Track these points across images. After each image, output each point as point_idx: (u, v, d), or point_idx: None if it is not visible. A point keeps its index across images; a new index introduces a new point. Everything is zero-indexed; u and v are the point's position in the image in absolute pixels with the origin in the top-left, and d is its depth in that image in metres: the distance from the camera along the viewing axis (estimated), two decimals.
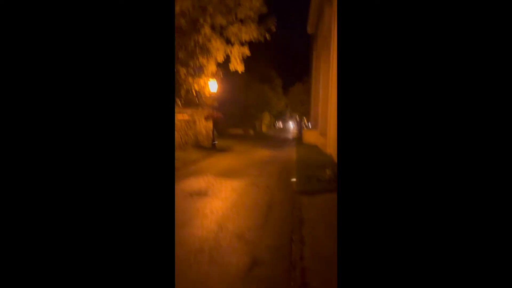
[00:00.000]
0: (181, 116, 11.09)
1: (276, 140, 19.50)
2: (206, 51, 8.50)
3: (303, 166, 7.21)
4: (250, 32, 9.94)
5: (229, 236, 3.12)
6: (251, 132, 27.85)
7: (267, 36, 10.06)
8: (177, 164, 7.86)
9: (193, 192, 4.98)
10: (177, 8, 7.58)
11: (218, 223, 3.49)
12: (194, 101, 9.94)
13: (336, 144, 6.85)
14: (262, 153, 11.31)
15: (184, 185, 5.54)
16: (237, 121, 27.60)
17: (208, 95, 11.94)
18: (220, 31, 9.92)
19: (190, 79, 8.52)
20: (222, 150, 11.85)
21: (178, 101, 8.73)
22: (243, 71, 10.88)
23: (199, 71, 8.55)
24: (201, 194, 4.88)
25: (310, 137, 15.04)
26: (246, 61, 10.74)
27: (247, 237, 3.11)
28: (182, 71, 7.90)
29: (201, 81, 8.81)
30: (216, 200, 4.50)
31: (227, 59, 10.45)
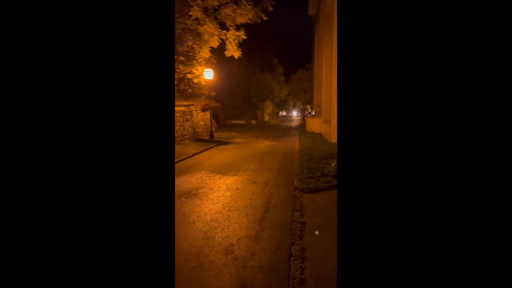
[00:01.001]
0: (175, 108, 10.48)
1: (278, 130, 18.83)
2: (196, 35, 7.78)
3: (306, 157, 6.60)
4: (245, 14, 9.15)
5: (215, 251, 2.56)
6: (253, 122, 27.19)
7: (264, 16, 9.27)
8: None
9: (182, 193, 4.43)
10: None
11: (203, 233, 2.94)
12: (190, 91, 9.28)
13: None
14: (263, 144, 10.71)
15: (177, 185, 4.98)
16: (239, 111, 26.92)
17: (203, 84, 11.29)
18: (214, 15, 9.16)
19: (181, 67, 7.84)
20: (221, 142, 11.28)
21: None
22: (244, 61, 10.18)
23: (191, 58, 7.84)
24: (191, 195, 4.33)
25: (314, 125, 14.35)
26: (246, 50, 10.02)
27: (236, 252, 2.55)
28: None
29: (194, 70, 8.12)
30: (206, 202, 3.95)
31: (224, 47, 9.72)
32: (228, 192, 4.39)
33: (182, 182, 5.13)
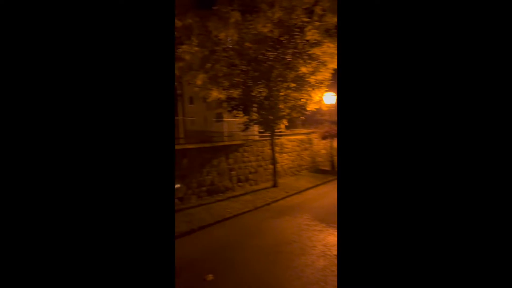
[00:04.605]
0: (293, 137, 10.03)
1: None
2: (309, 58, 7.07)
3: None
4: None
5: None
6: None
7: None
8: (278, 193, 6.73)
9: (265, 246, 3.57)
10: (275, 16, 6.69)
11: None
12: (302, 118, 8.62)
13: None
14: None
15: (268, 233, 4.24)
16: None
17: (325, 109, 10.29)
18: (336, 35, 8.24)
19: (295, 94, 7.30)
20: None
21: (284, 121, 7.70)
22: None
23: (304, 83, 7.17)
24: (272, 252, 3.39)
25: None
26: None
27: None
28: (280, 86, 6.86)
29: (307, 95, 7.38)
30: (283, 272, 2.88)
31: None
32: (321, 261, 3.11)
33: (275, 229, 4.29)
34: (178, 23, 6.09)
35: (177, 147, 6.07)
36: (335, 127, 10.65)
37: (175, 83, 10.28)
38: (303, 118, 8.01)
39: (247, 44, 6.53)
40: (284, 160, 9.15)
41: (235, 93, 7.02)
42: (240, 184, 7.37)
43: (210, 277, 2.85)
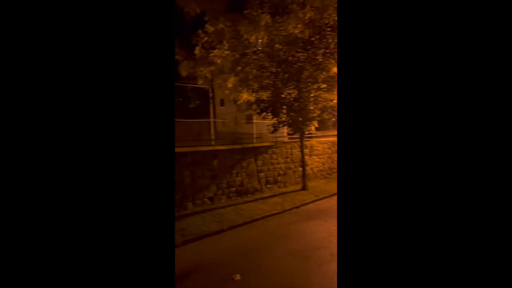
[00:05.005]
0: (323, 139, 9.77)
1: None
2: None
3: None
4: None
5: None
6: None
7: None
8: (308, 196, 6.61)
9: (292, 250, 3.53)
10: (306, 16, 6.60)
11: None
12: (334, 120, 8.35)
13: None
14: None
15: (296, 236, 4.19)
16: None
17: None
18: None
19: (326, 95, 7.12)
20: None
21: (314, 123, 7.54)
22: None
23: (335, 84, 6.96)
24: (301, 257, 3.34)
25: None
26: None
27: None
28: (311, 87, 6.73)
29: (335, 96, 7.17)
30: (313, 278, 2.82)
31: None
32: None
33: (304, 232, 4.22)
34: (210, 28, 6.28)
35: (208, 148, 6.28)
36: None
37: (207, 86, 10.62)
38: (334, 119, 7.75)
39: (277, 46, 6.52)
40: (314, 163, 8.96)
41: (265, 95, 7.04)
42: (268, 186, 7.37)
43: (237, 277, 2.90)
